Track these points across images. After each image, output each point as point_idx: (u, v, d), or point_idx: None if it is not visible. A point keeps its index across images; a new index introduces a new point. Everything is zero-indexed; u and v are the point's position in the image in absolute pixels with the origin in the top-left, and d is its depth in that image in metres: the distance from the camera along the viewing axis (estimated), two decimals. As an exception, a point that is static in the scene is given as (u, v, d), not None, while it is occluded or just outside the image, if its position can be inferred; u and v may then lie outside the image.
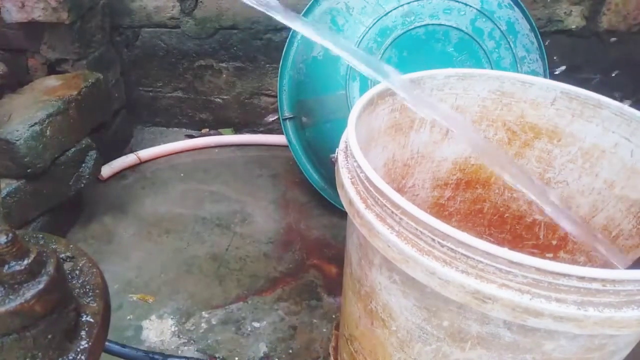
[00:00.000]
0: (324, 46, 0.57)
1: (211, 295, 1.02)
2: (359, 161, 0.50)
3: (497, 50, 1.05)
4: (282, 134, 1.24)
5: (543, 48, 1.12)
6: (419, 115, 0.70)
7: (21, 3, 1.11)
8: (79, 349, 0.43)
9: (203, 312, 0.98)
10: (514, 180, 0.56)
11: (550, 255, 0.77)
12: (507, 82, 0.72)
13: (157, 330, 0.94)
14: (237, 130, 1.61)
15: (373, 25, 1.02)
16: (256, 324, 0.96)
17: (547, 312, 0.40)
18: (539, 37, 1.11)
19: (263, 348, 0.91)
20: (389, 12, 1.02)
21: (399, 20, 1.02)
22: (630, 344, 0.51)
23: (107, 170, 1.34)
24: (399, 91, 0.58)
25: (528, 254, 0.39)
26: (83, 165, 1.13)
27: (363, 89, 1.05)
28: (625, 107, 0.64)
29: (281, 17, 0.54)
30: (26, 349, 0.40)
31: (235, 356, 0.90)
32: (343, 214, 1.01)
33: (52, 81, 1.14)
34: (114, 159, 1.38)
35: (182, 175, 1.39)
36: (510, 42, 1.05)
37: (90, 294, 0.48)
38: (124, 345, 0.77)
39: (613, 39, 1.33)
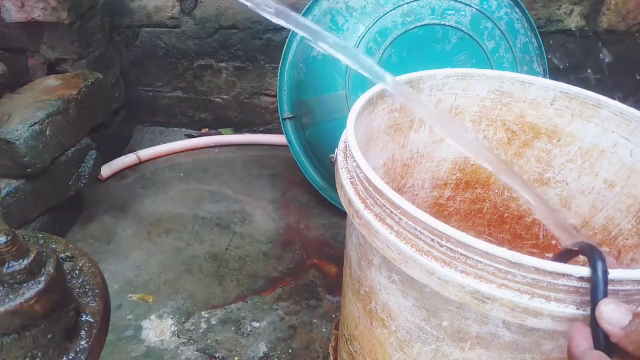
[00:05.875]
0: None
1: (211, 295, 1.02)
2: (359, 161, 0.50)
3: (497, 50, 1.05)
4: (282, 134, 1.24)
5: (543, 48, 1.12)
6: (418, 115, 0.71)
7: (21, 3, 1.11)
8: (79, 349, 0.43)
9: (203, 312, 0.98)
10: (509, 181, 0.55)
11: (550, 255, 0.77)
12: (507, 82, 0.72)
13: (157, 330, 0.94)
14: (237, 130, 1.61)
15: (373, 25, 1.02)
16: (256, 324, 0.96)
17: (546, 312, 0.39)
18: (539, 37, 1.11)
19: (263, 348, 0.91)
20: (389, 12, 1.02)
21: (399, 20, 1.02)
22: (630, 344, 0.51)
23: (107, 170, 1.34)
24: (394, 92, 0.58)
25: (528, 254, 0.39)
26: (83, 165, 1.13)
27: (363, 89, 1.05)
28: (625, 107, 0.64)
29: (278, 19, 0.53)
30: (26, 349, 0.40)
31: (235, 356, 0.90)
32: (343, 214, 1.01)
33: (52, 81, 1.14)
34: (114, 159, 1.38)
35: (182, 175, 1.39)
36: (510, 42, 1.05)
37: (90, 294, 0.48)
38: None
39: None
